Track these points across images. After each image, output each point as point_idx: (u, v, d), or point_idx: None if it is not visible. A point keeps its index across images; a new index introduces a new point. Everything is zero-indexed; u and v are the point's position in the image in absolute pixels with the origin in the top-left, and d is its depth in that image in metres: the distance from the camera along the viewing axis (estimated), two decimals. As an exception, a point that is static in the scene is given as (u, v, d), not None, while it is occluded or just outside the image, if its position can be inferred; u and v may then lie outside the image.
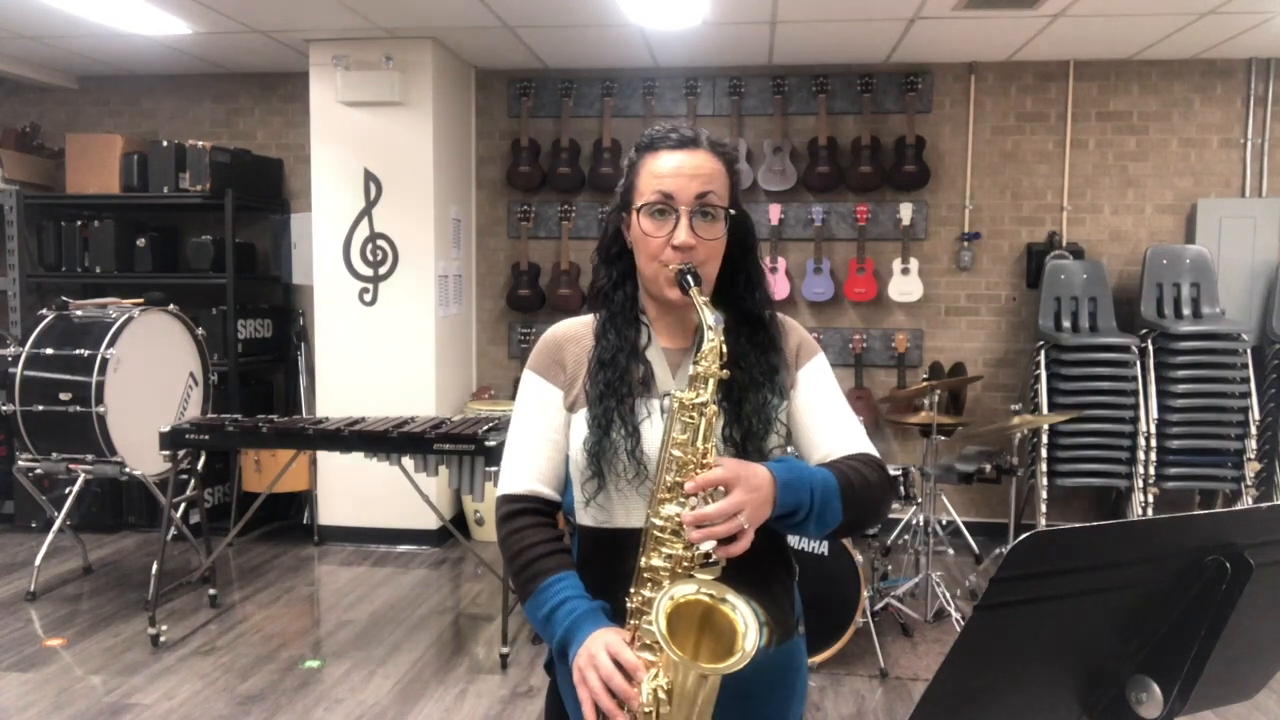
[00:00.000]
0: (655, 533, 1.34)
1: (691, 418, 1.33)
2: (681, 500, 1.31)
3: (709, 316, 1.37)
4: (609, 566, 1.43)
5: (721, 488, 1.28)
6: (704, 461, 1.31)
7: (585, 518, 1.47)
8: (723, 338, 1.37)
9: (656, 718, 1.27)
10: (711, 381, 1.34)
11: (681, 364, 1.50)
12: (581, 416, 1.46)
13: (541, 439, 1.50)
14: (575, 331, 1.54)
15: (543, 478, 1.49)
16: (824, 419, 1.51)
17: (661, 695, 1.27)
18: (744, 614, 1.28)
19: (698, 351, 1.46)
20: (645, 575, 1.34)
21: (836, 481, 1.38)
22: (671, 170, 1.44)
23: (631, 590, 1.36)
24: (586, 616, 1.37)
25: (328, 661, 3.87)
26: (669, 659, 1.26)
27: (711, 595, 1.29)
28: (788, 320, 1.57)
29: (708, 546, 1.28)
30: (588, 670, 1.30)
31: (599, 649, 1.31)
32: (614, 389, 1.44)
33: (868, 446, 1.50)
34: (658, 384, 1.47)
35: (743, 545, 1.28)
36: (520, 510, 1.48)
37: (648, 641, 1.32)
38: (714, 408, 1.34)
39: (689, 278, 1.40)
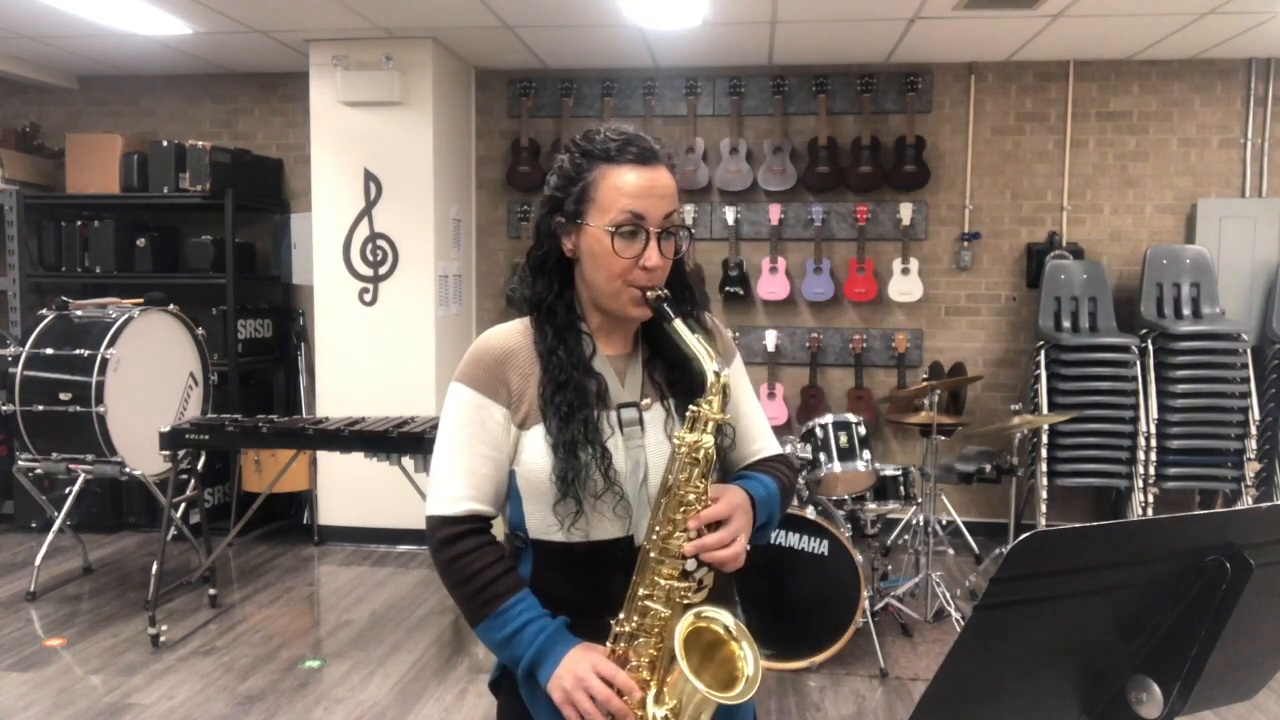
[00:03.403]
0: (651, 562, 1.37)
1: (694, 459, 1.37)
2: (681, 532, 1.36)
3: (711, 363, 1.38)
4: (580, 579, 1.44)
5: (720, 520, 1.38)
6: (704, 496, 1.37)
7: (557, 535, 1.43)
8: (725, 383, 1.39)
9: None
10: (711, 424, 1.37)
11: (626, 371, 1.49)
12: (536, 435, 1.42)
13: (480, 456, 1.44)
14: (512, 343, 1.48)
15: (481, 496, 1.45)
16: (752, 419, 1.60)
17: (671, 718, 1.32)
18: (748, 650, 1.35)
19: (649, 360, 1.51)
20: (638, 601, 1.37)
21: (779, 491, 1.53)
22: (641, 190, 1.39)
23: (621, 615, 1.38)
24: (556, 636, 1.38)
25: (328, 661, 3.87)
26: (674, 682, 1.32)
27: (727, 629, 1.36)
28: (714, 319, 1.61)
29: (703, 573, 1.38)
30: (576, 692, 1.32)
31: (585, 671, 1.33)
32: (577, 409, 1.40)
33: (779, 444, 1.65)
34: (610, 396, 1.45)
35: (737, 565, 1.39)
36: (462, 533, 1.43)
37: (635, 664, 1.36)
38: (713, 447, 1.38)
39: (666, 307, 1.40)
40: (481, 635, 1.43)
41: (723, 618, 1.36)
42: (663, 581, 1.36)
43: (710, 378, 1.37)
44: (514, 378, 1.45)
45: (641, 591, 1.37)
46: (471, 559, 1.42)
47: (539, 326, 1.48)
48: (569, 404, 1.40)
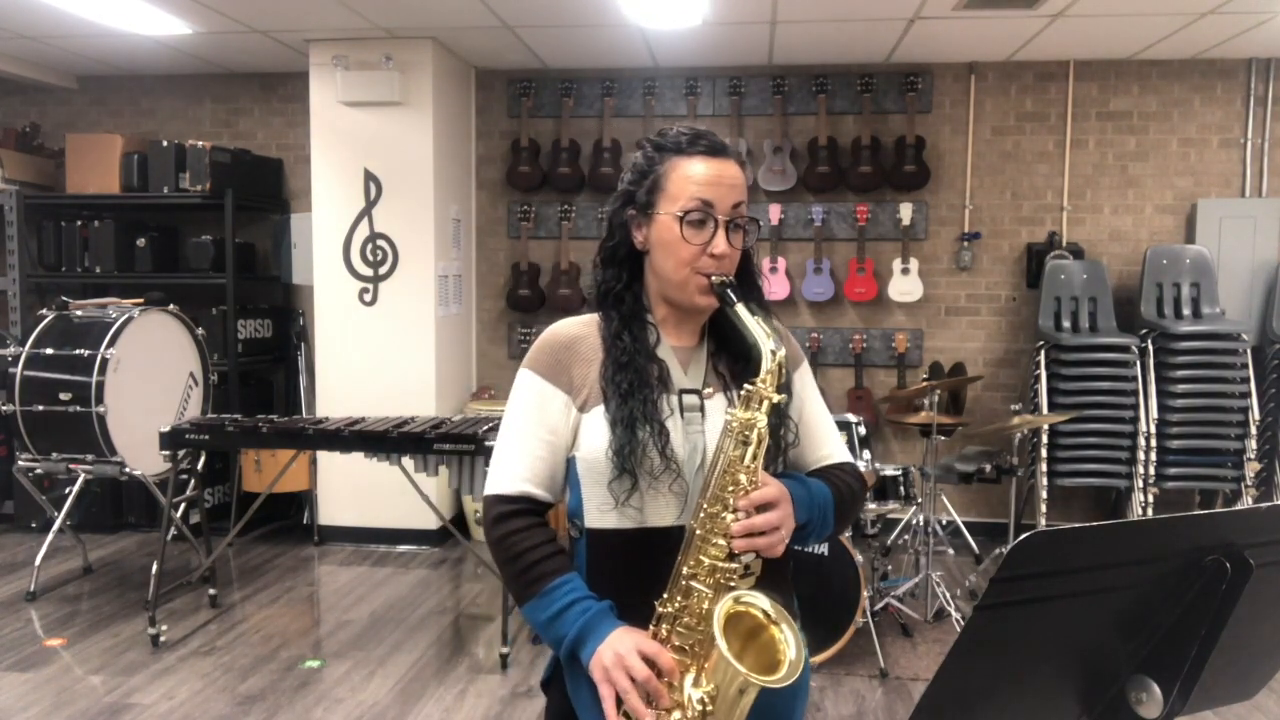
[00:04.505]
0: (697, 541, 1.37)
1: (746, 436, 1.37)
2: (730, 512, 1.35)
3: (769, 341, 1.39)
4: (633, 567, 1.43)
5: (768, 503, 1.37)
6: (754, 478, 1.36)
7: (610, 520, 1.45)
8: (783, 363, 1.40)
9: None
10: (766, 402, 1.37)
11: (690, 362, 1.52)
12: (597, 416, 1.45)
13: (537, 440, 1.48)
14: (579, 332, 1.53)
15: (536, 479, 1.48)
16: (819, 425, 1.60)
17: (707, 701, 1.30)
18: (789, 634, 1.33)
19: (714, 353, 1.53)
20: (682, 581, 1.37)
21: (832, 496, 1.50)
22: (711, 179, 1.45)
23: (665, 595, 1.38)
24: (600, 616, 1.39)
25: (328, 661, 3.87)
26: (713, 664, 1.30)
27: (767, 613, 1.34)
28: (782, 325, 1.62)
29: (749, 558, 1.36)
30: (615, 670, 1.31)
31: (627, 649, 1.32)
32: (636, 389, 1.43)
33: (849, 454, 1.64)
34: (673, 381, 1.48)
35: (778, 553, 1.38)
36: (514, 511, 1.46)
37: (679, 644, 1.35)
38: (765, 427, 1.38)
39: (730, 292, 1.43)
40: (527, 615, 1.44)
41: (760, 602, 1.34)
42: (708, 561, 1.35)
43: (766, 358, 1.38)
44: (577, 364, 1.49)
45: (686, 570, 1.36)
46: (521, 538, 1.44)
47: (605, 314, 1.52)
48: (629, 383, 1.44)
